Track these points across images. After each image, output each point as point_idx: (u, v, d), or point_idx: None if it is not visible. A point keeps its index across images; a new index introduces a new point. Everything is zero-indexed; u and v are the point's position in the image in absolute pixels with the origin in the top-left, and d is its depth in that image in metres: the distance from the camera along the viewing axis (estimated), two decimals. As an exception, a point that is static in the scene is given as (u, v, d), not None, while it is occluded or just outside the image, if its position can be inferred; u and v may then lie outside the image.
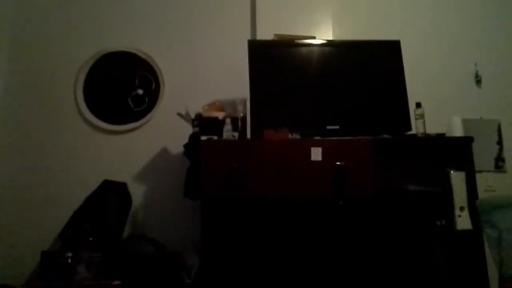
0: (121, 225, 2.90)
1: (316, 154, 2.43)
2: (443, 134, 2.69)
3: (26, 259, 2.93)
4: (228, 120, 2.65)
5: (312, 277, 2.30)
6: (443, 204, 2.36)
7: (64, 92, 3.31)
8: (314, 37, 3.07)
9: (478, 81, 3.47)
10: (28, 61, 3.35)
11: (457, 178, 2.38)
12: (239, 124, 2.73)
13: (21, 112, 3.27)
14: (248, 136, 2.70)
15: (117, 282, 2.52)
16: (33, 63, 3.35)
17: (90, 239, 2.66)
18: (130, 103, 3.31)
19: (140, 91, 3.33)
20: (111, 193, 2.92)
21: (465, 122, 2.76)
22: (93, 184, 2.96)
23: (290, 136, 2.54)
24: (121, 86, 3.33)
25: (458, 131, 2.70)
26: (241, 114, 2.77)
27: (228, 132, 2.61)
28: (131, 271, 2.58)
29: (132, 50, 3.37)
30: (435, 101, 3.17)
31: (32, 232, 3.03)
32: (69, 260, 2.57)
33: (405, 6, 3.60)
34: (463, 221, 2.32)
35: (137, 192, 3.12)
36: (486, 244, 2.22)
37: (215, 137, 2.59)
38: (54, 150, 3.21)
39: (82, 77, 3.32)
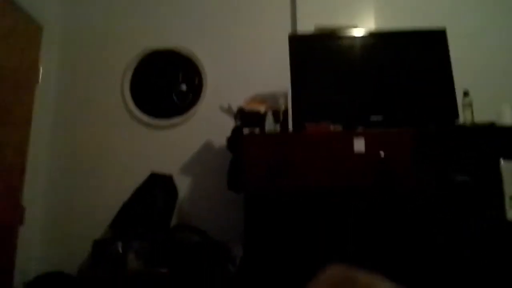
0: (168, 216, 2.98)
1: (359, 145, 2.40)
2: (493, 123, 2.59)
3: (79, 248, 3.06)
4: (269, 113, 2.66)
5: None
6: (493, 194, 2.28)
7: (112, 89, 3.44)
8: (355, 27, 3.02)
9: (529, 66, 3.31)
10: (76, 59, 3.50)
11: (508, 168, 2.30)
12: (281, 117, 2.74)
13: (71, 108, 3.41)
14: (290, 129, 2.70)
15: (165, 270, 2.60)
16: (82, 63, 3.50)
17: (139, 229, 2.76)
18: (175, 98, 3.39)
19: (184, 87, 3.41)
20: (158, 185, 3.01)
21: (515, 110, 2.65)
22: (141, 176, 3.06)
23: (332, 128, 2.52)
24: (166, 82, 3.42)
25: (508, 119, 2.59)
26: (283, 107, 2.78)
27: (270, 125, 2.63)
28: (179, 259, 2.65)
29: (174, 48, 3.45)
30: (484, 88, 3.06)
31: (84, 222, 3.17)
32: (120, 249, 2.68)
33: (450, -9, 3.48)
34: (515, 212, 2.23)
35: (183, 184, 3.20)
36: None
37: (257, 130, 2.61)
38: (104, 144, 3.34)
39: (129, 74, 3.44)
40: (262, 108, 2.82)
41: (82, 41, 3.54)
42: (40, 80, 3.22)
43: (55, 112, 3.40)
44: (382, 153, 2.35)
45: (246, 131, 2.61)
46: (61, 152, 3.33)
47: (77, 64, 3.50)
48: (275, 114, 2.71)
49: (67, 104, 3.42)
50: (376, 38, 2.82)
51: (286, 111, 2.77)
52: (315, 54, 2.78)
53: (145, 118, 3.37)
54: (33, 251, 3.06)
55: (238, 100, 3.02)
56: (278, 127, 2.68)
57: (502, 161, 2.30)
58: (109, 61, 3.49)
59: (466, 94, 2.60)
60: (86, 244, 2.93)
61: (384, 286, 0.82)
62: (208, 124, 3.30)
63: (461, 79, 2.70)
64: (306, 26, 3.15)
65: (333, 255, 2.30)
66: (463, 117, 2.57)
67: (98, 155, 3.33)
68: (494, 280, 2.22)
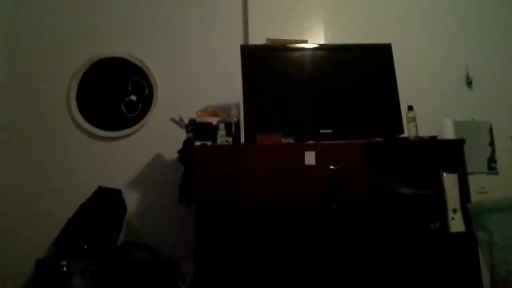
0: (116, 232, 2.90)
1: (310, 158, 2.43)
2: (435, 137, 2.71)
3: (21, 267, 2.92)
4: (221, 125, 2.64)
5: (306, 281, 2.31)
6: (436, 207, 2.38)
7: (57, 99, 3.30)
8: (306, 41, 3.08)
9: (469, 83, 3.50)
10: (20, 65, 3.34)
11: (450, 180, 2.40)
12: (233, 129, 2.73)
13: (14, 118, 3.25)
14: (242, 141, 2.70)
15: (112, 290, 2.53)
16: (26, 69, 3.33)
17: (85, 246, 2.66)
18: (124, 109, 3.31)
19: (134, 97, 3.33)
20: (106, 200, 2.92)
21: (456, 124, 2.79)
22: (88, 191, 2.95)
23: (283, 140, 2.54)
24: (114, 92, 3.33)
25: (450, 133, 2.72)
26: (235, 119, 2.77)
27: (222, 137, 2.61)
28: (127, 278, 2.58)
29: (125, 56, 3.37)
30: (427, 104, 3.21)
31: (27, 239, 3.01)
32: (64, 268, 2.57)
33: (396, 10, 3.63)
34: (456, 223, 2.34)
35: (132, 199, 3.13)
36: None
37: (209, 143, 2.58)
38: (48, 156, 3.20)
39: (75, 83, 3.32)
40: (214, 120, 2.80)
41: (27, 46, 3.37)
42: (-22, 88, 3.04)
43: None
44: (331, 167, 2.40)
45: (197, 143, 2.58)
46: (3, 164, 3.16)
47: (21, 71, 3.33)
48: (227, 126, 2.70)
49: (9, 113, 3.25)
50: (325, 52, 2.89)
51: (238, 122, 2.76)
52: (267, 65, 2.79)
53: (92, 129, 3.26)
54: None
55: (190, 112, 2.98)
56: (230, 140, 2.66)
57: (444, 174, 2.40)
58: (55, 68, 3.34)
59: (410, 108, 2.70)
60: (29, 263, 2.79)
61: None
62: (158, 136, 3.24)
63: (405, 95, 2.81)
64: (258, 39, 3.18)
65: (285, 269, 2.31)
66: (408, 131, 2.67)
67: (41, 167, 3.18)
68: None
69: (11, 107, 3.27)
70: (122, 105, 3.31)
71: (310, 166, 2.42)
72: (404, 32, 3.54)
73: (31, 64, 3.35)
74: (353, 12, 3.59)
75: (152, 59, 3.38)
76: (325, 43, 3.32)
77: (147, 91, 3.34)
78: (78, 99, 3.31)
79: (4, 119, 3.24)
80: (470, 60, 3.52)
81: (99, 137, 3.26)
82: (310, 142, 2.54)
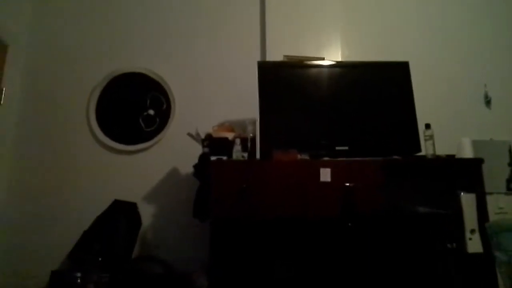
0: (130, 246, 2.90)
1: (325, 175, 2.42)
2: (453, 156, 2.68)
3: (37, 278, 2.92)
4: (237, 141, 2.66)
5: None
6: (453, 227, 2.34)
7: (77, 113, 3.36)
8: (323, 58, 3.10)
9: (488, 102, 3.47)
10: (42, 82, 3.41)
11: (468, 200, 2.36)
12: (249, 144, 2.75)
13: (35, 131, 3.31)
14: (258, 156, 2.71)
15: (125, 303, 2.53)
16: (47, 84, 3.41)
17: (100, 259, 2.67)
18: (142, 123, 3.35)
19: (152, 112, 3.37)
20: (121, 213, 2.94)
21: (475, 143, 2.75)
22: (104, 203, 2.98)
23: (299, 156, 2.54)
24: (133, 106, 3.38)
25: (468, 153, 2.68)
26: (251, 135, 2.78)
27: (237, 152, 2.62)
28: (140, 292, 2.59)
29: (144, 71, 3.43)
30: (445, 122, 3.18)
31: (43, 251, 3.03)
32: (78, 280, 2.59)
33: (414, 27, 3.63)
34: (474, 244, 2.29)
35: (147, 212, 3.14)
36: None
37: (224, 157, 2.60)
38: (66, 169, 3.24)
39: (95, 97, 3.38)
40: (230, 135, 2.83)
41: (48, 61, 3.46)
42: (2, 101, 3.12)
43: (16, 134, 3.29)
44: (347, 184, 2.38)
45: (213, 158, 2.59)
46: (22, 175, 3.22)
47: (42, 85, 3.41)
48: (243, 141, 2.71)
49: (30, 127, 3.32)
50: (342, 69, 2.89)
51: (254, 138, 2.78)
52: (284, 82, 2.81)
53: (110, 142, 3.30)
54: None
55: (207, 127, 3.01)
56: (245, 155, 2.67)
57: (462, 194, 2.36)
58: (75, 83, 3.42)
59: (427, 126, 2.68)
60: (44, 274, 2.80)
61: None
62: (175, 151, 3.27)
63: (423, 112, 2.79)
64: (275, 56, 3.21)
65: (299, 285, 2.29)
66: (425, 149, 2.64)
67: (60, 179, 3.22)
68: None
69: (31, 120, 3.33)
70: (140, 119, 3.36)
71: (325, 183, 2.41)
72: (422, 50, 3.54)
73: (52, 79, 3.42)
74: (370, 29, 3.61)
75: (171, 75, 3.43)
76: (342, 60, 3.34)
77: (165, 106, 3.39)
78: (98, 113, 3.37)
79: (24, 132, 3.30)
80: (489, 79, 3.50)
81: (117, 150, 3.30)
82: (326, 158, 2.53)
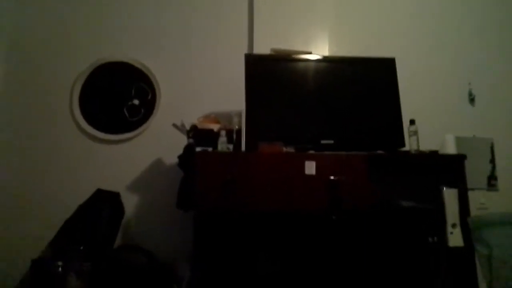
0: (112, 235, 2.88)
1: (310, 168, 2.43)
2: (436, 152, 2.71)
3: (16, 267, 2.90)
4: (223, 132, 2.65)
5: (303, 292, 2.29)
6: (435, 221, 2.37)
7: (60, 101, 3.31)
8: (310, 52, 3.09)
9: (472, 99, 3.51)
10: (24, 70, 3.35)
11: (450, 195, 2.40)
12: (234, 136, 2.74)
13: (16, 119, 3.26)
14: (243, 148, 2.70)
15: (107, 293, 2.51)
16: (29, 72, 3.35)
17: (81, 248, 2.64)
18: (126, 113, 3.32)
19: (136, 102, 3.34)
20: (104, 202, 2.91)
21: (458, 140, 2.80)
22: (86, 192, 2.94)
23: (284, 149, 2.54)
24: (117, 96, 3.34)
25: (451, 149, 2.72)
26: (236, 127, 2.78)
27: (223, 144, 2.61)
28: (122, 281, 2.57)
29: (129, 61, 3.38)
30: (429, 118, 3.22)
31: (23, 240, 3.00)
32: (60, 269, 2.56)
33: (401, 24, 3.65)
34: (455, 238, 2.33)
35: (130, 202, 3.12)
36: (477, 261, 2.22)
37: (209, 149, 2.59)
38: (48, 157, 3.21)
39: (79, 86, 3.33)
40: (215, 127, 2.81)
41: (31, 49, 3.40)
42: (-18, 87, 3.05)
43: (-2, 121, 3.22)
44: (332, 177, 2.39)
45: (198, 149, 2.58)
46: (4, 163, 3.17)
47: (25, 73, 3.35)
48: (229, 133, 2.71)
49: (12, 115, 3.26)
50: (329, 63, 2.90)
51: (239, 130, 2.77)
52: (271, 75, 2.80)
53: (93, 131, 3.26)
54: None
55: (192, 118, 3.00)
56: (231, 147, 2.67)
57: (444, 189, 2.40)
58: (58, 71, 3.36)
59: (412, 122, 2.71)
60: (24, 263, 2.76)
61: None
62: (159, 141, 3.25)
63: (408, 109, 2.82)
64: (263, 48, 3.18)
65: (283, 279, 2.30)
66: (409, 144, 2.67)
67: (42, 168, 3.18)
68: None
69: (14, 108, 3.28)
70: (125, 109, 3.32)
71: (310, 176, 2.41)
72: (408, 47, 3.56)
73: (35, 66, 3.37)
74: (358, 25, 3.62)
75: (156, 65, 3.40)
76: (330, 55, 3.34)
77: (150, 96, 3.35)
78: (81, 102, 3.32)
79: (6, 119, 3.24)
80: (473, 77, 3.54)
81: (101, 140, 3.26)
82: (311, 152, 2.54)
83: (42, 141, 3.23)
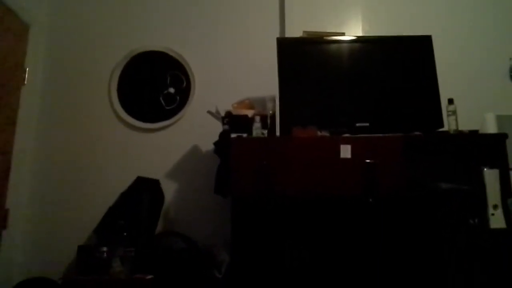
0: (154, 221, 2.97)
1: (346, 151, 2.42)
2: (476, 131, 2.63)
3: (64, 253, 3.03)
4: (257, 118, 2.66)
5: (339, 275, 2.30)
6: (476, 202, 2.32)
7: (99, 92, 3.40)
8: (343, 34, 3.05)
9: (512, 76, 3.38)
10: (64, 62, 3.45)
11: (491, 176, 2.33)
12: (269, 121, 2.75)
13: (57, 111, 3.37)
14: (278, 133, 2.72)
15: (149, 277, 2.60)
16: (69, 63, 3.45)
17: (125, 234, 2.75)
18: (162, 101, 3.38)
19: (172, 90, 3.40)
20: (144, 190, 3.00)
21: (499, 118, 2.70)
22: (127, 181, 3.06)
23: (319, 133, 2.53)
24: (153, 85, 3.41)
25: (491, 128, 2.64)
26: (270, 112, 2.78)
27: (257, 129, 2.63)
28: (163, 266, 2.65)
29: (164, 50, 3.44)
30: (468, 97, 3.12)
31: (69, 227, 3.12)
32: (104, 255, 2.67)
33: (436, 1, 3.53)
34: (497, 220, 2.27)
35: (169, 189, 3.19)
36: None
37: (244, 135, 2.61)
38: (89, 147, 3.30)
39: (116, 76, 3.42)
40: (249, 113, 2.83)
41: (70, 41, 3.49)
42: (26, 81, 3.17)
43: (40, 114, 3.34)
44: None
45: (233, 135, 2.61)
46: (47, 154, 3.28)
47: (64, 65, 3.45)
48: (263, 118, 2.72)
49: (53, 106, 3.37)
50: (363, 44, 2.84)
51: (273, 115, 2.78)
52: (303, 58, 2.78)
53: (131, 120, 3.35)
54: (15, 256, 3.01)
55: (226, 104, 3.02)
56: (265, 132, 2.68)
57: (485, 170, 2.34)
58: (96, 62, 3.45)
59: (450, 101, 2.63)
60: (71, 249, 2.91)
61: None
62: (195, 128, 3.30)
63: (446, 88, 2.74)
64: (295, 32, 3.17)
65: (320, 262, 2.32)
66: (448, 124, 2.60)
67: (84, 158, 3.28)
68: None
69: (54, 100, 3.39)
70: (161, 98, 3.39)
71: (345, 160, 2.40)
72: (445, 24, 3.45)
73: (74, 58, 3.46)
74: (392, 4, 3.52)
75: (190, 53, 3.43)
76: (363, 35, 3.28)
77: (184, 84, 3.40)
78: (119, 91, 3.40)
79: (47, 112, 3.36)
80: (514, 53, 3.39)
81: (139, 128, 3.34)
82: (346, 135, 2.52)
83: (84, 131, 3.33)
